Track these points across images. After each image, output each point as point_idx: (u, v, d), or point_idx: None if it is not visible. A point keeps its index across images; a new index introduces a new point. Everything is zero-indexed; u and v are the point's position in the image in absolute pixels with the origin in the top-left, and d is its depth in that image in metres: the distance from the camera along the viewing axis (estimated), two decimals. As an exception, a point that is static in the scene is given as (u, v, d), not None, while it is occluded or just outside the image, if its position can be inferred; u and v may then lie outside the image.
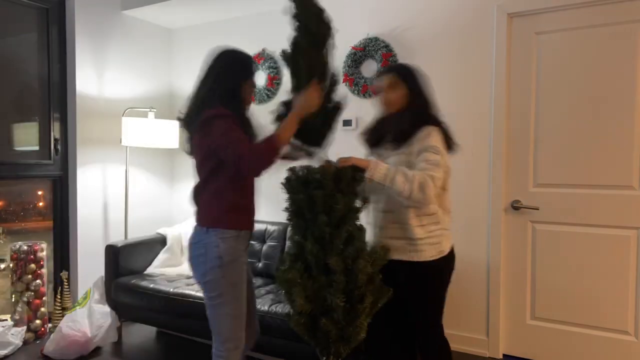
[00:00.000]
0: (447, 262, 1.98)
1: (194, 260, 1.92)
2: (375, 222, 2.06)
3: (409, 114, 1.94)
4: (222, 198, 1.88)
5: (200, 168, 1.93)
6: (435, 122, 1.96)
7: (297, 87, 1.92)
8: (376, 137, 2.08)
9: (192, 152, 1.96)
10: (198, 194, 1.96)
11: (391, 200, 1.93)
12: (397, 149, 1.96)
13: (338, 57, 2.10)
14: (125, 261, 3.22)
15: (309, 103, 1.85)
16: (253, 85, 2.03)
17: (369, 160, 1.89)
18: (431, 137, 1.88)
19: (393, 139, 1.97)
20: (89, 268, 3.53)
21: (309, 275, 1.87)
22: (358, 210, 1.92)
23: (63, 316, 3.15)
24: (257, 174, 1.80)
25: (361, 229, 1.94)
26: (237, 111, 1.89)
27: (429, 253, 1.92)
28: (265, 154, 1.76)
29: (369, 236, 2.05)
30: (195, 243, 1.91)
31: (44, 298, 3.20)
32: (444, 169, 1.87)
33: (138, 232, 3.76)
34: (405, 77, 2.00)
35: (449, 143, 1.96)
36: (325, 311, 1.85)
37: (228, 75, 1.91)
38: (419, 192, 1.78)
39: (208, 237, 1.86)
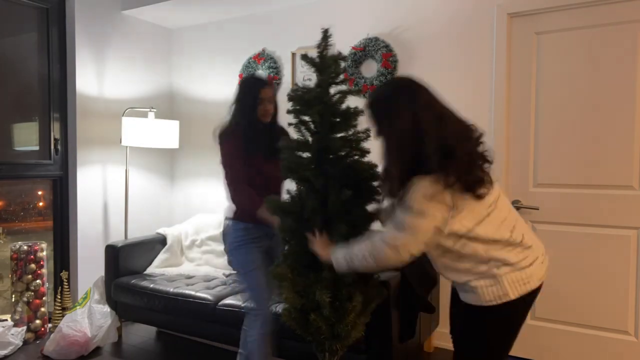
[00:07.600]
0: (511, 310, 1.59)
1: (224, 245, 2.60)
2: None
3: (392, 171, 1.58)
4: (231, 197, 2.34)
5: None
6: (432, 167, 1.50)
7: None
8: None
9: None
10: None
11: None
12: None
13: (338, 57, 2.08)
14: (125, 261, 3.22)
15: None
16: (263, 107, 2.29)
17: (328, 254, 1.76)
18: (412, 192, 1.52)
19: (384, 195, 1.70)
20: (89, 268, 3.53)
21: (299, 272, 1.89)
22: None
23: (63, 316, 3.15)
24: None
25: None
26: (249, 126, 2.28)
27: (485, 297, 1.57)
28: (244, 203, 2.27)
29: None
30: (222, 232, 2.65)
31: (44, 298, 3.20)
32: (440, 221, 1.54)
33: (138, 232, 3.76)
34: (376, 119, 1.65)
35: (469, 185, 1.57)
36: (315, 307, 1.86)
37: (240, 103, 2.33)
38: (378, 263, 1.61)
39: (227, 228, 2.45)
